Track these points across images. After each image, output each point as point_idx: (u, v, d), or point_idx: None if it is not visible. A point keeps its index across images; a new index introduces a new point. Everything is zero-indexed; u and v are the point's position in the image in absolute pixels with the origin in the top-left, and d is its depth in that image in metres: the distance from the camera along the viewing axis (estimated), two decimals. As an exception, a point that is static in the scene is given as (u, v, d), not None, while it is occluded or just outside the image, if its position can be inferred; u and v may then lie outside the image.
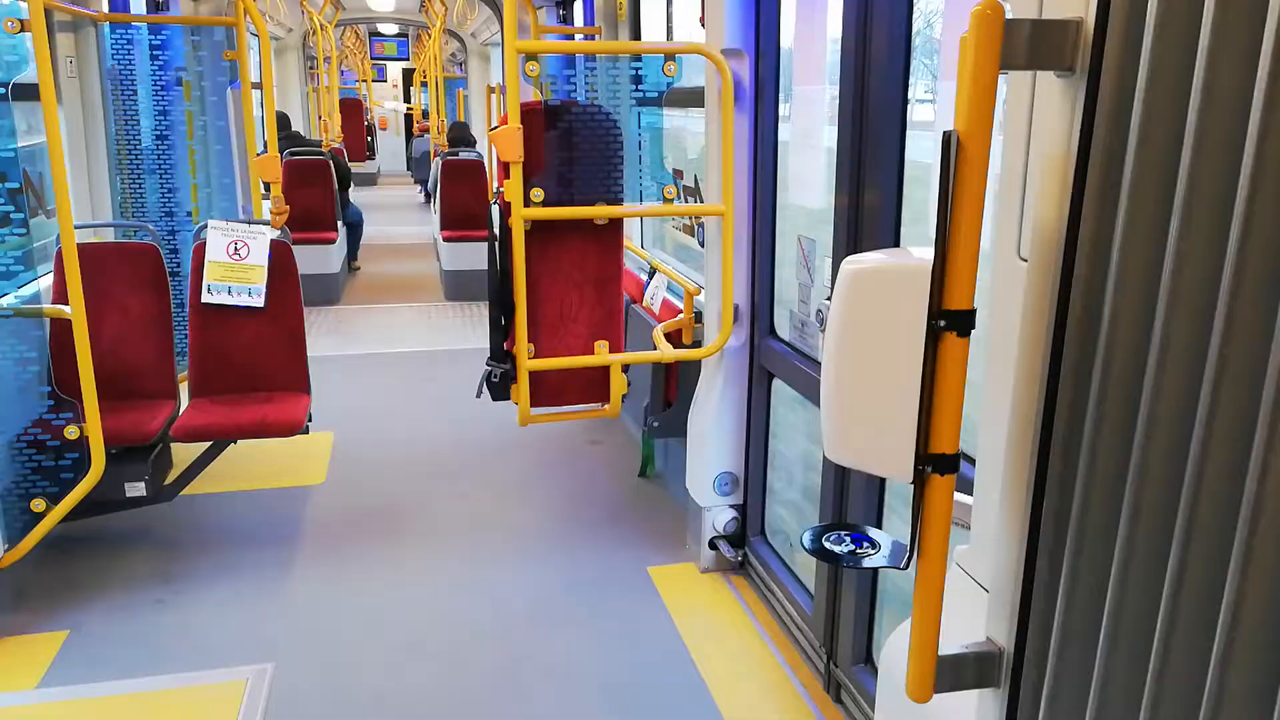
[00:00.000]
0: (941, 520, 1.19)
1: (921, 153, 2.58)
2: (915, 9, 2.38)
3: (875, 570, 2.73)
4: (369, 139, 18.38)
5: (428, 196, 14.97)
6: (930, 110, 2.98)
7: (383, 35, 17.65)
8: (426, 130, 15.26)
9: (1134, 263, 1.01)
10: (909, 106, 2.41)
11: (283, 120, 9.05)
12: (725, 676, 3.02)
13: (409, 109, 19.73)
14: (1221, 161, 0.90)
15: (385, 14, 12.61)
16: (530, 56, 2.91)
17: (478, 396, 3.35)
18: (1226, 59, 0.89)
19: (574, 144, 3.10)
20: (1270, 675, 0.87)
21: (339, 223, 8.60)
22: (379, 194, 16.43)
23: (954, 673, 1.31)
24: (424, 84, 17.68)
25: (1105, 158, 1.05)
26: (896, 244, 2.48)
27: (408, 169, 19.35)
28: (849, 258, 1.20)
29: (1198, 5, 0.91)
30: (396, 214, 14.05)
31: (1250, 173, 0.85)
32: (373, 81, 19.08)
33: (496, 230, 3.22)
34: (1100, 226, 1.06)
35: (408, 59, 18.14)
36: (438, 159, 9.33)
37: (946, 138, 1.06)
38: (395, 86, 20.76)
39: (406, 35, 17.37)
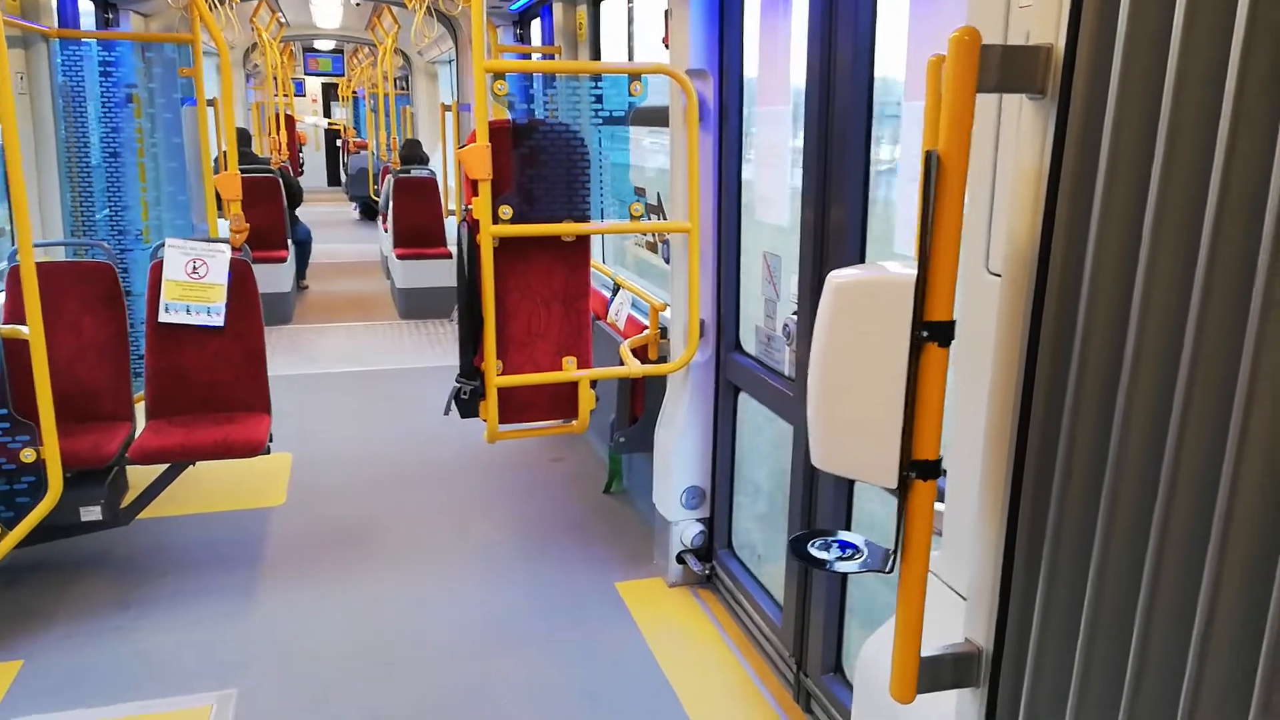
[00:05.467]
0: (924, 524, 1.23)
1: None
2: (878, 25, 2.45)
3: (844, 579, 2.78)
4: (300, 155, 18.21)
5: (365, 213, 14.82)
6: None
7: (318, 51, 17.48)
8: (363, 147, 15.11)
9: (1106, 276, 1.07)
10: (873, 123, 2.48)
11: (243, 136, 8.95)
12: (696, 689, 3.04)
13: (330, 124, 19.61)
14: (1189, 179, 0.96)
15: (331, 31, 12.51)
16: (497, 76, 2.94)
17: (445, 413, 3.34)
18: (1192, 81, 0.94)
19: (541, 162, 3.12)
20: (1245, 671, 0.92)
21: (289, 241, 8.50)
22: (308, 210, 16.23)
23: (934, 674, 1.35)
24: (358, 99, 17.52)
25: (1076, 176, 1.11)
26: (862, 259, 2.54)
27: (329, 184, 19.16)
28: (834, 272, 1.24)
29: (1165, 30, 0.96)
30: (332, 230, 13.78)
31: (1218, 189, 0.91)
32: (294, 96, 18.88)
33: (464, 248, 3.23)
34: (1072, 242, 1.12)
35: (343, 74, 18.00)
36: (390, 176, 9.29)
37: (927, 157, 1.11)
38: (315, 102, 20.56)
39: (341, 51, 17.25)
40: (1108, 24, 1.04)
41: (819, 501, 2.79)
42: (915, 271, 1.14)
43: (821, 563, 1.31)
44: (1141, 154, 1.01)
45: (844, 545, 1.34)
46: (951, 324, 1.16)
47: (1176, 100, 0.95)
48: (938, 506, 1.57)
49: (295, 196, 9.12)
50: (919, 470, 1.20)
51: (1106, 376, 1.08)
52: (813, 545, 1.34)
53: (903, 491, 1.21)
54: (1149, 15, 0.99)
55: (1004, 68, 1.14)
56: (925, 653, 1.30)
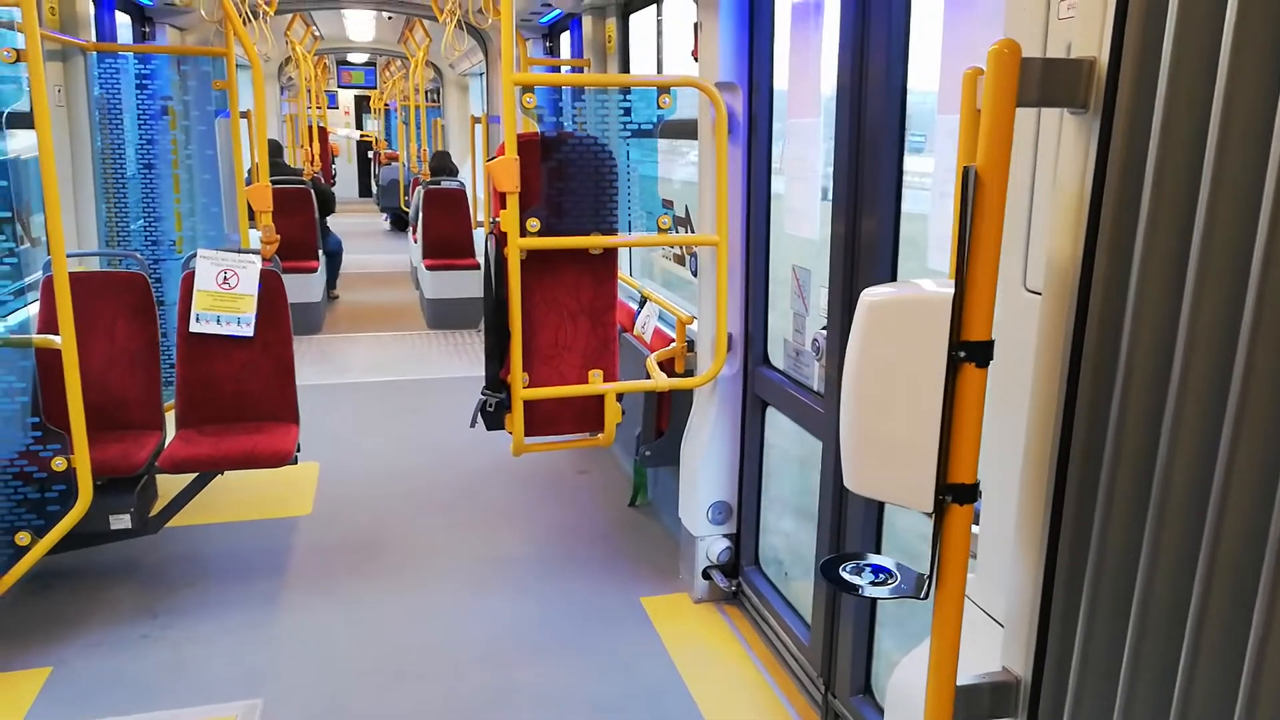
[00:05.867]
0: (960, 550, 1.19)
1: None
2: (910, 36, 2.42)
3: (874, 599, 2.73)
4: (332, 166, 18.44)
5: (395, 224, 14.98)
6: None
7: (351, 64, 17.71)
8: (395, 159, 15.25)
9: (1151, 295, 1.03)
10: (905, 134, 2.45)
11: (275, 148, 9.05)
12: (720, 707, 3.00)
13: (363, 136, 19.85)
14: (1238, 196, 0.92)
15: (364, 44, 12.64)
16: (526, 89, 2.94)
17: (472, 426, 3.33)
18: (1242, 96, 0.91)
19: (569, 175, 3.12)
20: None
21: (320, 251, 8.58)
22: (339, 221, 16.41)
23: (970, 703, 1.31)
24: (390, 111, 17.71)
25: (1119, 193, 1.08)
26: (894, 274, 2.51)
27: (360, 195, 19.39)
28: (867, 290, 1.21)
29: (1213, 43, 0.93)
30: (362, 241, 13.87)
31: (1270, 207, 0.87)
32: (327, 109, 19.11)
33: (491, 260, 3.23)
34: (1116, 260, 1.08)
35: (375, 86, 18.22)
36: (420, 188, 9.35)
37: (966, 173, 1.08)
38: (347, 114, 20.82)
39: (374, 64, 17.44)
40: (1153, 36, 1.00)
41: (848, 519, 2.75)
42: (952, 289, 1.11)
43: (854, 588, 1.27)
44: (1189, 170, 0.97)
45: (876, 569, 1.30)
46: (990, 344, 1.13)
47: (1226, 115, 0.92)
48: (973, 529, 1.53)
49: (327, 205, 9.20)
50: (955, 494, 1.16)
51: (1152, 398, 1.04)
52: (844, 569, 1.31)
53: (938, 515, 1.17)
54: (1197, 27, 0.95)
55: (1045, 81, 1.11)
56: (961, 681, 1.27)
